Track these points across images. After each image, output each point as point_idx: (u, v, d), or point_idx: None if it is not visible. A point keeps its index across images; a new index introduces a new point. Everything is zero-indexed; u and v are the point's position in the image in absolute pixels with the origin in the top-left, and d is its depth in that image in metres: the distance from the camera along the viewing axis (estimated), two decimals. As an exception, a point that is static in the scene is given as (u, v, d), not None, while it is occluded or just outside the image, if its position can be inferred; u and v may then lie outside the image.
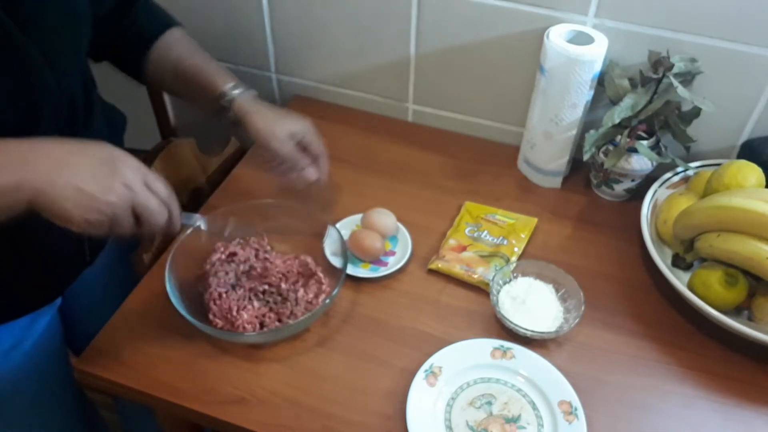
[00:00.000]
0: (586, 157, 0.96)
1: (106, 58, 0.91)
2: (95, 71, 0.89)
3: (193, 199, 1.11)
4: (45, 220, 0.60)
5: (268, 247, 0.91)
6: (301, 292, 0.84)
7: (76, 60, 0.76)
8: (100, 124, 0.84)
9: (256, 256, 0.89)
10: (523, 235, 0.96)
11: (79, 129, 0.76)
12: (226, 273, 0.86)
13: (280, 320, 0.82)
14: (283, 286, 0.85)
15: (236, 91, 0.86)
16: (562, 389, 0.76)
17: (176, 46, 0.89)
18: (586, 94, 0.95)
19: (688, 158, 1.00)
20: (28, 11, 0.64)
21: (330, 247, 0.88)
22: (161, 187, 0.65)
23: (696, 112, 0.95)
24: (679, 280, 0.83)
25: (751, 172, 0.88)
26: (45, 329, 0.86)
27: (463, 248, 0.94)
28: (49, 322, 0.87)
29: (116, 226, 0.62)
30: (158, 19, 0.91)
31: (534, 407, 0.76)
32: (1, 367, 0.81)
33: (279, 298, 0.84)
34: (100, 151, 0.62)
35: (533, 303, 0.85)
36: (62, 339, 0.92)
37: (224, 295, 0.84)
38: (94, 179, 0.59)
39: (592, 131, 0.95)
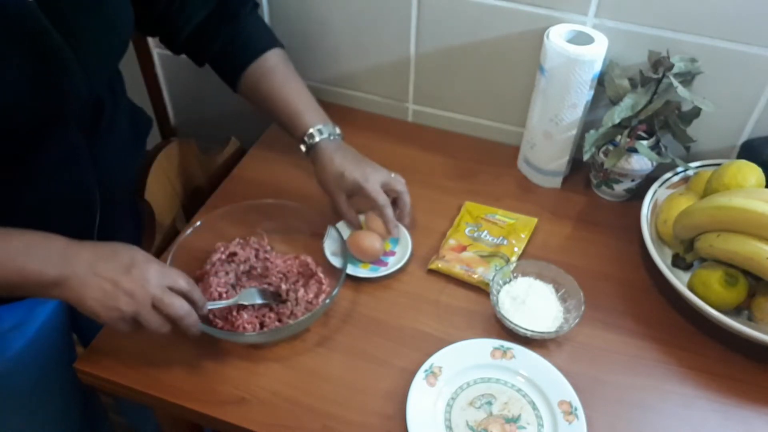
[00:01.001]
0: (586, 157, 0.96)
1: (202, 64, 0.94)
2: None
3: (193, 199, 1.11)
4: (50, 205, 0.62)
5: (268, 247, 0.91)
6: (301, 292, 0.84)
7: (109, 67, 0.78)
8: (125, 126, 0.85)
9: (257, 256, 0.89)
10: (523, 235, 0.96)
11: (102, 130, 0.77)
12: (227, 273, 0.86)
13: (280, 320, 0.82)
14: (283, 286, 0.85)
15: (320, 136, 0.89)
16: (562, 389, 0.76)
17: (271, 74, 0.91)
18: (586, 94, 0.95)
19: (688, 158, 1.00)
20: (71, 22, 0.67)
21: (330, 247, 0.88)
22: (182, 282, 0.70)
23: (696, 112, 0.95)
24: (679, 280, 0.83)
25: (751, 172, 0.88)
26: (49, 314, 0.86)
27: (463, 248, 0.94)
28: (54, 308, 0.87)
29: (144, 323, 0.68)
30: (260, 38, 0.93)
31: (534, 407, 0.76)
32: None
33: (279, 298, 0.84)
34: (124, 256, 0.68)
35: (533, 303, 0.85)
36: (68, 326, 0.92)
37: (224, 295, 0.84)
38: (117, 285, 0.66)
39: (592, 131, 0.95)
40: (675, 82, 0.90)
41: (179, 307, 0.69)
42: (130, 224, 0.97)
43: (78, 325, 0.97)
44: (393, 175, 0.91)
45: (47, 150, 0.72)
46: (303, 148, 0.91)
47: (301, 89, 0.93)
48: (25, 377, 0.86)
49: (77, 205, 0.79)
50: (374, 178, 0.88)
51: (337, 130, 0.92)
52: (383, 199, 0.88)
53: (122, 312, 0.66)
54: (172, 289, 0.69)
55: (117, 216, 0.88)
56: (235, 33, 0.90)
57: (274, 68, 0.91)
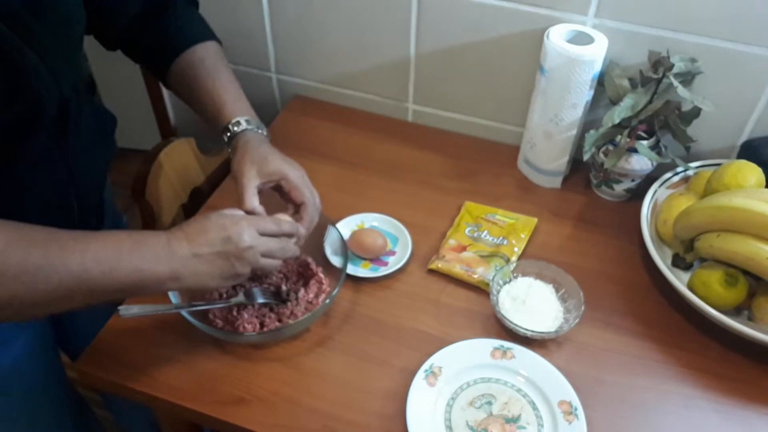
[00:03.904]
0: (586, 157, 0.96)
1: (137, 60, 0.92)
2: (97, 73, 0.89)
3: (193, 199, 1.11)
4: (26, 208, 0.63)
5: (268, 247, 0.91)
6: (301, 292, 0.84)
7: (71, 63, 0.77)
8: (91, 125, 0.84)
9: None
10: (523, 235, 0.96)
11: (69, 131, 0.77)
12: (226, 273, 0.86)
13: (280, 320, 0.82)
14: (284, 286, 0.85)
15: (247, 126, 0.85)
16: (562, 389, 0.76)
17: (199, 65, 0.88)
18: (586, 94, 0.95)
19: (688, 158, 1.00)
20: (27, 21, 0.65)
21: (330, 247, 0.88)
22: (271, 226, 0.75)
23: (696, 112, 0.95)
24: (679, 280, 0.83)
25: (751, 172, 0.88)
26: (35, 332, 0.85)
27: (463, 248, 0.94)
28: (39, 325, 0.86)
29: (261, 271, 0.76)
30: (192, 31, 0.90)
31: (534, 407, 0.76)
32: None
33: (279, 298, 0.84)
34: (214, 227, 0.71)
35: (533, 303, 0.85)
36: (53, 340, 0.92)
37: (225, 296, 0.84)
38: (226, 256, 0.70)
39: (592, 131, 0.95)
40: (675, 82, 0.90)
41: (277, 249, 0.74)
42: (109, 218, 0.97)
43: (65, 340, 0.96)
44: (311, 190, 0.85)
45: (20, 155, 0.71)
46: (226, 136, 0.86)
47: (230, 81, 0.89)
48: (14, 396, 0.85)
49: (53, 206, 0.79)
50: (298, 173, 0.83)
51: (265, 131, 0.87)
52: (308, 193, 0.82)
53: (241, 275, 0.72)
54: (265, 234, 0.73)
55: (94, 213, 0.88)
56: (167, 24, 0.88)
57: (203, 59, 0.88)
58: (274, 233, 0.75)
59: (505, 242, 0.95)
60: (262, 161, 0.81)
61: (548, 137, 1.01)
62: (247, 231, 0.71)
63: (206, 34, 0.91)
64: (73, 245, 0.63)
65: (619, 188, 1.02)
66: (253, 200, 0.79)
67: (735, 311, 0.85)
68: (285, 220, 0.79)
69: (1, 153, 0.69)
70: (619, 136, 0.96)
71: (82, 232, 0.65)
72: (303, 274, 0.88)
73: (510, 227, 0.97)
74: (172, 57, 0.88)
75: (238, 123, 0.84)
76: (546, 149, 1.02)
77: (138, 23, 0.86)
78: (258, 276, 0.83)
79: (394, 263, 0.91)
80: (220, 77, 0.88)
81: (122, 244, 0.66)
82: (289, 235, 0.77)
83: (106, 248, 0.65)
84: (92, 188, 0.87)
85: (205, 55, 0.89)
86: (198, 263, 0.69)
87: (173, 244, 0.68)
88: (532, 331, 0.81)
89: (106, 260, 0.64)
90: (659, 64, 0.90)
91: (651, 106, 0.93)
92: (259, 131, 0.86)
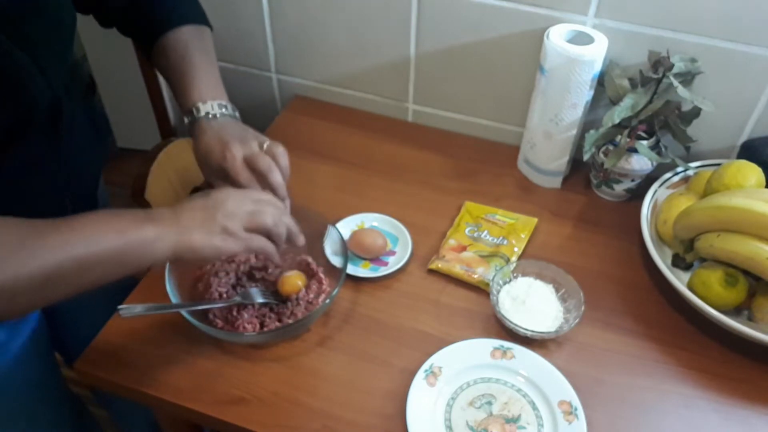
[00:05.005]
0: (586, 157, 0.96)
1: (129, 36, 0.92)
2: (97, 73, 0.89)
3: (193, 199, 1.11)
4: (21, 210, 0.62)
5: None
6: (301, 292, 0.84)
7: (63, 62, 0.77)
8: (84, 124, 0.84)
9: (257, 256, 0.89)
10: (523, 235, 0.96)
11: (63, 130, 0.77)
12: (227, 273, 0.86)
13: (280, 320, 0.82)
14: (284, 286, 0.86)
15: (200, 114, 0.80)
16: (562, 389, 0.76)
17: (179, 46, 0.86)
18: (586, 94, 0.95)
19: (688, 158, 1.00)
20: (19, 25, 0.65)
21: (330, 247, 0.88)
22: (258, 192, 0.73)
23: (696, 112, 0.95)
24: (679, 280, 0.83)
25: (751, 172, 0.88)
26: (30, 334, 0.85)
27: (463, 248, 0.94)
28: (34, 325, 0.86)
29: (260, 249, 0.71)
30: (178, 12, 0.88)
31: (534, 407, 0.76)
32: None
33: (279, 298, 0.84)
34: (202, 196, 0.69)
35: (533, 303, 0.85)
36: (49, 341, 0.92)
37: (225, 296, 0.84)
38: (208, 211, 0.68)
39: (592, 131, 0.95)
40: (675, 82, 0.90)
41: (266, 200, 0.72)
42: None
43: (61, 342, 0.96)
44: (266, 145, 0.78)
45: (13, 155, 0.71)
46: (186, 121, 0.83)
47: (205, 65, 0.85)
48: (10, 397, 0.85)
49: (47, 206, 0.79)
50: (234, 154, 0.76)
51: (230, 109, 0.82)
52: (244, 178, 0.76)
53: (231, 231, 0.68)
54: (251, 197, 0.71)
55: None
56: (158, 3, 0.87)
57: (188, 41, 0.86)
58: (261, 198, 0.72)
59: (505, 242, 0.95)
60: (205, 157, 0.78)
61: (548, 137, 1.01)
62: (232, 192, 0.71)
63: (195, 16, 0.90)
64: (47, 226, 0.61)
65: (619, 188, 1.02)
66: (244, 172, 0.76)
67: (735, 311, 0.85)
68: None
69: None
70: (619, 136, 0.96)
71: (57, 219, 0.63)
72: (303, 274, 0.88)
73: (510, 227, 0.97)
74: (156, 36, 0.86)
75: (202, 107, 0.80)
76: (546, 149, 1.02)
77: (131, 1, 0.86)
78: (253, 226, 0.71)
79: (394, 263, 0.91)
80: (198, 59, 0.85)
81: (99, 213, 0.65)
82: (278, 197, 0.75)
83: (85, 219, 0.64)
84: (86, 188, 0.87)
85: (190, 38, 0.87)
86: (180, 215, 0.67)
87: (154, 212, 0.68)
88: (532, 331, 0.81)
89: (88, 230, 0.62)
90: (659, 64, 0.90)
91: (651, 106, 0.93)
92: (216, 117, 0.81)
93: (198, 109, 0.80)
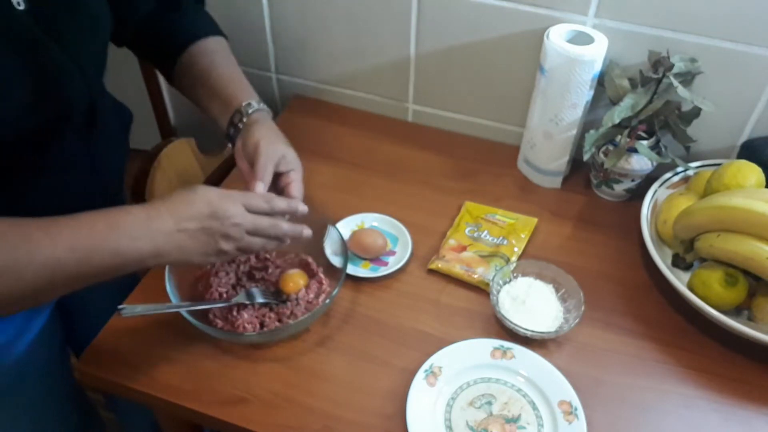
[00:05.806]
0: (586, 157, 0.96)
1: (146, 57, 0.93)
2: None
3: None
4: (53, 211, 0.63)
5: (269, 247, 0.91)
6: (301, 292, 0.84)
7: (99, 63, 0.77)
8: (112, 122, 0.85)
9: (257, 256, 0.89)
10: (523, 235, 0.96)
11: (95, 129, 0.77)
12: (227, 273, 0.86)
13: (280, 320, 0.82)
14: (284, 286, 0.86)
15: (252, 109, 0.83)
16: (562, 389, 0.76)
17: (209, 55, 0.88)
18: (586, 94, 0.95)
19: (688, 158, 1.00)
20: (61, 27, 0.66)
21: (330, 247, 0.88)
22: (260, 203, 0.72)
23: (696, 112, 0.95)
24: (679, 280, 0.83)
25: (751, 172, 0.88)
26: (42, 328, 0.86)
27: (463, 248, 0.94)
28: (46, 321, 0.87)
29: (248, 250, 0.73)
30: (199, 26, 0.90)
31: (534, 407, 0.76)
32: None
33: (279, 298, 0.84)
34: (199, 201, 0.69)
35: (533, 303, 0.85)
36: (62, 338, 0.92)
37: (225, 296, 0.84)
38: (210, 232, 0.68)
39: (592, 131, 0.95)
40: (675, 82, 0.90)
41: (267, 226, 0.72)
42: None
43: (72, 337, 0.96)
44: (291, 155, 0.81)
45: (48, 156, 0.71)
46: (238, 117, 0.84)
47: (239, 73, 0.88)
48: (22, 391, 0.85)
49: (79, 206, 0.79)
50: (269, 152, 0.79)
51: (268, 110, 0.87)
52: (265, 180, 0.77)
53: (226, 251, 0.70)
54: (253, 211, 0.71)
55: None
56: (177, 19, 0.88)
57: (215, 51, 0.88)
58: (265, 211, 0.72)
59: (505, 242, 0.95)
60: (277, 142, 0.81)
61: (548, 137, 1.01)
62: (234, 207, 0.69)
63: (215, 30, 0.92)
64: (41, 237, 0.61)
65: (619, 188, 1.02)
66: (268, 170, 0.77)
67: (735, 311, 0.85)
68: (279, 197, 0.76)
69: (30, 155, 0.69)
70: (619, 136, 0.96)
71: (52, 220, 0.63)
72: (303, 274, 0.88)
73: (510, 227, 0.97)
74: (180, 49, 0.88)
75: (250, 105, 0.84)
76: (546, 149, 1.02)
77: (150, 20, 0.87)
78: (244, 250, 0.73)
79: (394, 263, 0.91)
80: (231, 67, 0.88)
81: (96, 226, 0.64)
82: (283, 214, 0.74)
83: (79, 234, 0.63)
84: (115, 187, 0.87)
85: (216, 48, 0.89)
86: (181, 238, 0.67)
87: (154, 220, 0.66)
88: (532, 331, 0.81)
89: (81, 247, 0.62)
90: (659, 64, 0.90)
91: (651, 106, 0.93)
92: (266, 112, 0.86)
93: (251, 105, 0.83)
